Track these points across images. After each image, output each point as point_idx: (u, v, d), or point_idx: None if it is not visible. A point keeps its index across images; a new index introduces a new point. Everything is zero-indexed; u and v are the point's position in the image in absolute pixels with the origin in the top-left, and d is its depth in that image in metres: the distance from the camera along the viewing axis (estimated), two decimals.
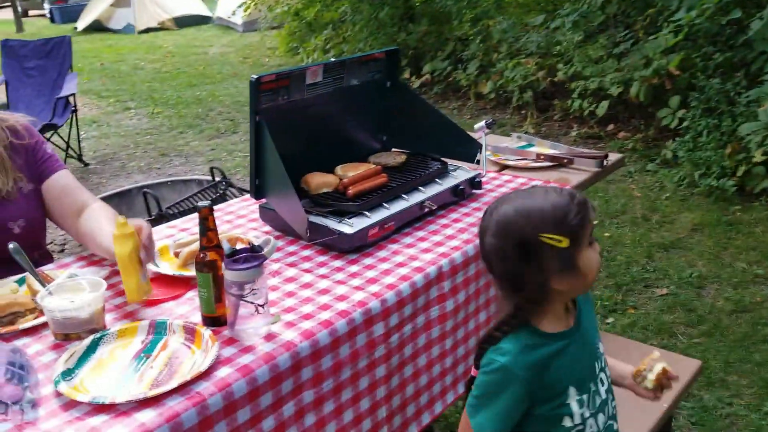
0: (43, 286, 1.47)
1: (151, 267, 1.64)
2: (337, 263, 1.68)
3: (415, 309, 1.59)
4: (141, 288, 1.47)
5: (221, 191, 4.05)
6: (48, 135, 5.35)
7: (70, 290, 1.42)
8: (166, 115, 7.39)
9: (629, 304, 3.20)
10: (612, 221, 4.08)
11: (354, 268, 1.65)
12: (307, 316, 1.44)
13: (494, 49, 6.76)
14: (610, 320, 3.08)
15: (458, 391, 1.75)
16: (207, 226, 1.39)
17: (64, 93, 5.34)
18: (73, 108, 5.55)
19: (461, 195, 1.99)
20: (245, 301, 1.34)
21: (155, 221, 3.83)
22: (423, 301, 1.61)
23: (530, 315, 1.23)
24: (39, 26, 16.04)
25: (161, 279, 1.62)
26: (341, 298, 1.51)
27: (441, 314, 1.67)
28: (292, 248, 1.78)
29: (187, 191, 4.46)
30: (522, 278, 1.20)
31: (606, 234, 3.90)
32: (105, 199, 4.37)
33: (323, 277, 1.61)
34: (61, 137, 5.55)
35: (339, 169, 1.98)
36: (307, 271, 1.65)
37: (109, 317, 1.47)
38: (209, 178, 4.27)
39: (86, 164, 5.78)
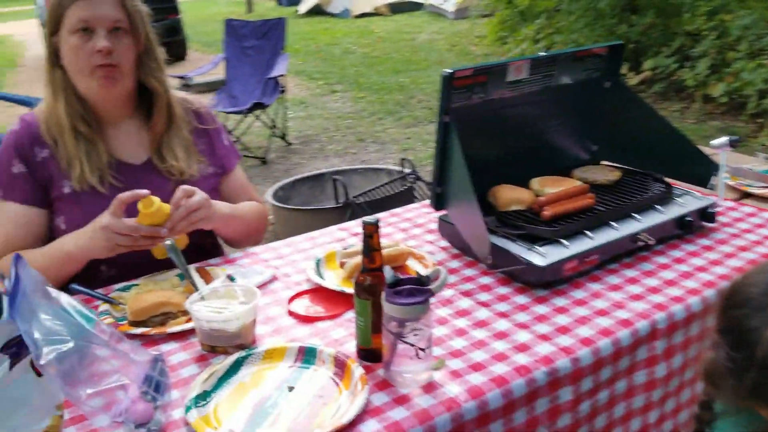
0: (196, 289, 1.37)
1: (313, 277, 1.48)
2: (522, 299, 1.40)
3: (616, 372, 1.27)
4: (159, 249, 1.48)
5: (409, 184, 3.90)
6: (257, 113, 5.57)
7: (224, 297, 1.30)
8: (368, 100, 7.46)
9: None
10: None
11: (541, 309, 1.36)
12: (477, 367, 1.18)
13: (731, 47, 5.93)
14: None
15: None
16: (371, 246, 1.18)
17: (274, 74, 5.52)
18: (282, 89, 5.73)
19: (688, 228, 1.60)
20: (404, 341, 1.11)
21: (342, 208, 3.79)
22: (627, 363, 1.29)
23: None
24: (267, 8, 17.16)
25: (322, 291, 1.45)
26: (521, 347, 1.23)
27: (648, 381, 1.33)
28: (469, 272, 1.53)
29: (376, 180, 4.38)
30: None
31: None
32: (300, 181, 4.44)
33: (502, 315, 1.34)
34: (269, 116, 5.76)
35: (535, 183, 1.69)
36: (484, 304, 1.39)
37: (261, 329, 1.33)
38: (399, 168, 4.15)
39: (289, 144, 5.96)
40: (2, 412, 0.92)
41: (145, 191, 1.44)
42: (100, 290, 1.49)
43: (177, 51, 10.11)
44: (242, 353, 1.22)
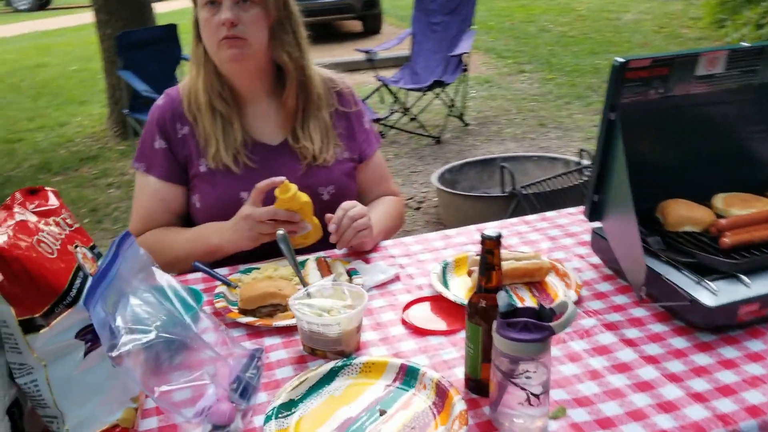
0: (304, 285, 1.29)
1: (435, 284, 1.34)
2: (679, 343, 1.15)
3: None
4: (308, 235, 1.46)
5: (585, 178, 3.59)
6: (436, 91, 5.47)
7: (331, 296, 1.20)
8: (557, 82, 7.05)
9: None
10: None
11: (702, 359, 1.11)
12: (606, 423, 0.98)
13: None
14: None
15: None
16: (490, 263, 1.01)
17: (457, 51, 5.36)
18: (464, 67, 5.56)
19: None
20: (514, 383, 0.94)
21: (507, 198, 3.58)
22: None
23: None
24: None
25: (442, 301, 1.31)
26: (667, 407, 1.00)
27: None
28: (619, 299, 1.30)
29: (550, 170, 4.09)
30: None
31: None
32: (468, 164, 4.27)
33: (651, 360, 1.11)
34: (448, 95, 5.63)
35: (719, 201, 1.40)
36: (630, 343, 1.16)
37: (368, 335, 1.21)
38: (577, 159, 3.83)
39: (466, 124, 5.80)
40: (73, 401, 0.90)
41: (281, 178, 1.40)
42: (224, 270, 1.47)
43: (372, 25, 10.27)
44: (339, 362, 1.12)
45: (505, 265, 1.33)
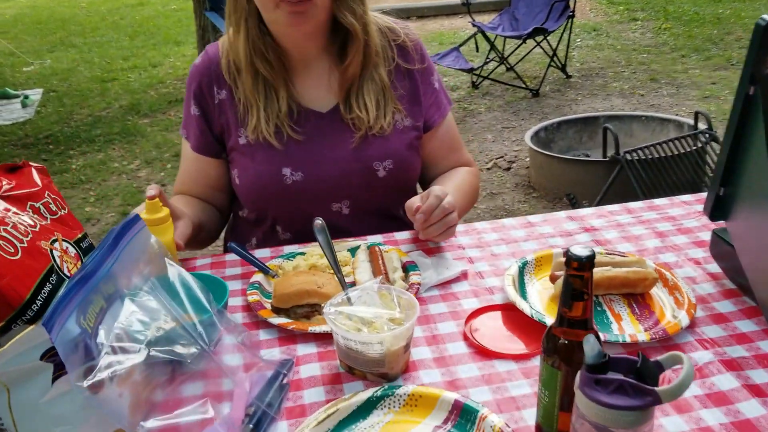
0: (343, 287, 1.07)
1: (507, 289, 1.09)
2: None
3: None
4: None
5: (700, 144, 3.17)
6: (537, 38, 5.05)
7: (375, 304, 0.99)
8: (673, 32, 6.41)
9: None
10: None
11: None
12: None
13: None
14: None
15: None
16: (578, 290, 0.76)
17: None
18: (570, 13, 5.09)
19: None
20: None
21: (609, 163, 3.21)
22: None
23: None
24: None
25: (515, 312, 1.07)
26: None
27: None
28: (744, 326, 1.01)
29: (660, 133, 3.67)
30: None
31: None
32: (567, 122, 3.90)
33: None
34: (549, 43, 5.19)
35: None
36: (759, 392, 0.89)
37: (420, 352, 1.00)
38: (692, 122, 3.40)
39: (568, 76, 5.36)
40: None
41: (152, 190, 1.10)
42: (265, 252, 1.28)
43: None
44: (379, 391, 0.90)
45: (599, 271, 1.07)
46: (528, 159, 3.85)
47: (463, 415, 0.86)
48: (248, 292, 1.13)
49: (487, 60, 5.20)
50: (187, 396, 0.82)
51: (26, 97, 5.69)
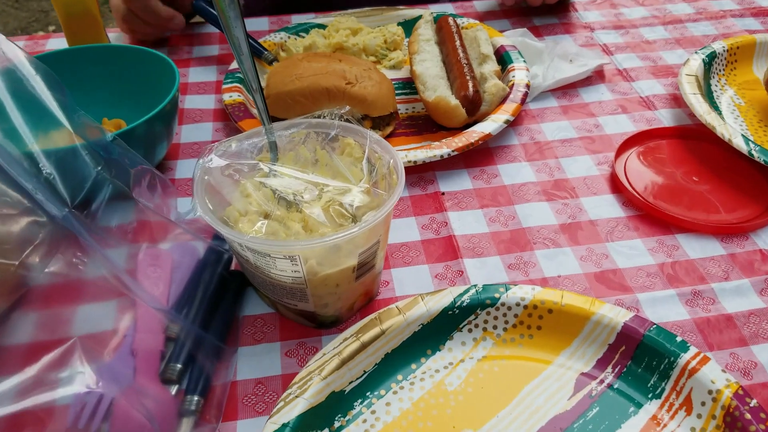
0: (264, 122, 0.58)
1: (693, 103, 0.60)
2: None
3: None
4: None
5: None
6: None
7: (333, 164, 0.50)
8: None
9: None
10: None
11: None
12: None
13: None
14: None
15: None
16: None
17: None
18: None
19: None
20: None
21: None
22: None
23: None
24: None
25: (698, 139, 0.58)
26: None
27: None
28: None
29: None
30: None
31: None
32: None
33: None
34: None
35: None
36: None
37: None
38: None
39: None
40: None
41: None
42: (262, 21, 0.78)
43: None
44: (464, 293, 0.45)
45: None
46: None
47: (640, 355, 0.42)
48: (224, 87, 0.65)
49: None
50: (17, 343, 0.37)
51: None
